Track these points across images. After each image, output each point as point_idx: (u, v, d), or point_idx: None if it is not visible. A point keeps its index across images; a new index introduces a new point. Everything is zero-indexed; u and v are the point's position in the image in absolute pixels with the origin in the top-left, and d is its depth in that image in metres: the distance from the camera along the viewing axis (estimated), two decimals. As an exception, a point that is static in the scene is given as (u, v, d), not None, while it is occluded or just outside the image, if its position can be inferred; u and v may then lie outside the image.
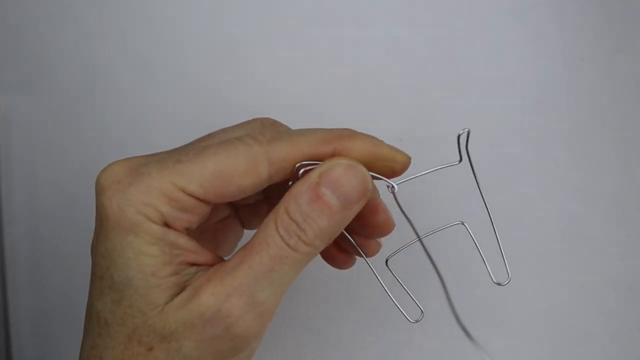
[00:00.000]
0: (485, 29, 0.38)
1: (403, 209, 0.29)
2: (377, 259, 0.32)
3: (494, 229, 0.31)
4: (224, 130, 0.30)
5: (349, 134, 0.28)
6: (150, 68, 0.41)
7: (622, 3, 0.37)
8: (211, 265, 0.28)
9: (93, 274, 0.29)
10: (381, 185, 0.29)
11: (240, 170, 0.27)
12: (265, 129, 0.29)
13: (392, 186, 0.28)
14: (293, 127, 0.31)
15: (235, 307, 0.26)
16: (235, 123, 0.34)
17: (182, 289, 0.27)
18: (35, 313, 0.44)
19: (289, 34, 0.40)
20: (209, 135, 0.30)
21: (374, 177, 0.28)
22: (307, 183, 0.27)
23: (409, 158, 0.29)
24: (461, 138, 0.28)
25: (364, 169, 0.27)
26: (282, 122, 0.32)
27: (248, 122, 0.31)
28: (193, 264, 0.28)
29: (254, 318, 0.26)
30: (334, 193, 0.26)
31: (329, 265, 0.36)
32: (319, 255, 0.33)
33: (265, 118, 0.31)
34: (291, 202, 0.26)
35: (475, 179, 0.31)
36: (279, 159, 0.27)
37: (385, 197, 0.30)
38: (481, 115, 0.38)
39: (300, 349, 0.40)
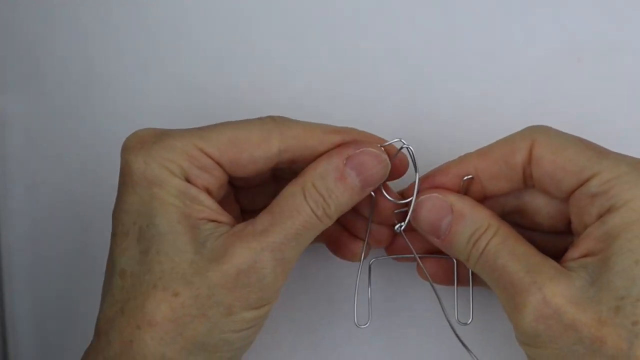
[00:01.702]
0: (484, 28, 0.38)
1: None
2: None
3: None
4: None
5: (357, 130, 0.32)
6: (149, 68, 0.41)
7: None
8: (230, 224, 0.30)
9: (115, 234, 0.30)
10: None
11: (254, 140, 0.30)
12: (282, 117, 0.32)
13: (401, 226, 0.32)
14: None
15: (269, 260, 0.29)
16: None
17: (207, 239, 0.29)
18: (33, 313, 0.44)
19: (289, 33, 0.40)
20: None
21: None
22: (334, 162, 0.30)
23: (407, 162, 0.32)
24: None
25: (386, 157, 0.31)
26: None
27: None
28: (212, 220, 0.30)
29: (281, 271, 0.29)
30: (357, 176, 0.30)
31: (326, 266, 0.36)
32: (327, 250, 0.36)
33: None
34: (317, 178, 0.30)
35: None
36: (290, 136, 0.31)
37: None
38: (478, 115, 0.38)
39: (296, 349, 0.40)
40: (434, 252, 0.34)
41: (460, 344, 0.33)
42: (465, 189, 0.31)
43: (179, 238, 0.29)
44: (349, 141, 0.31)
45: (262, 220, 0.29)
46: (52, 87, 0.42)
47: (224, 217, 0.30)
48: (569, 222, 0.31)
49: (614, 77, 0.38)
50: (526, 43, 0.38)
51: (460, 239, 0.30)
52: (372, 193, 0.32)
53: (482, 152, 0.32)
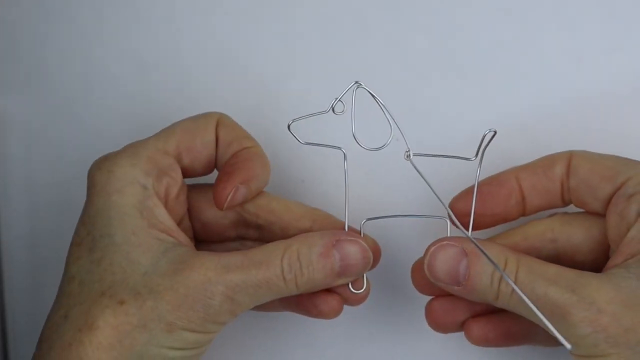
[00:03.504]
0: (482, 28, 0.38)
1: (421, 173, 0.31)
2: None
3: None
4: None
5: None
6: (149, 68, 0.41)
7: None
8: (188, 246, 0.31)
9: (71, 244, 0.31)
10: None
11: (201, 127, 0.33)
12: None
13: (409, 153, 0.31)
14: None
15: (219, 294, 0.29)
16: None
17: (162, 254, 0.30)
18: (33, 313, 0.44)
19: (288, 34, 0.40)
20: None
21: None
22: (325, 238, 0.31)
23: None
24: (486, 138, 0.30)
25: (371, 255, 0.32)
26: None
27: None
28: (171, 237, 0.31)
29: (227, 310, 0.29)
30: (340, 261, 0.31)
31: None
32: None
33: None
34: (304, 246, 0.30)
35: (477, 180, 0.32)
36: (225, 124, 0.34)
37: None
38: (478, 116, 0.38)
39: (294, 346, 0.40)
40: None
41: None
42: (485, 144, 0.31)
43: (133, 249, 0.29)
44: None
45: (230, 257, 0.30)
46: (52, 87, 0.42)
47: (180, 236, 0.31)
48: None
49: (614, 77, 0.38)
50: (527, 43, 0.38)
51: (482, 280, 0.29)
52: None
53: (523, 165, 0.33)
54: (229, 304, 0.29)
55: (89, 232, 0.30)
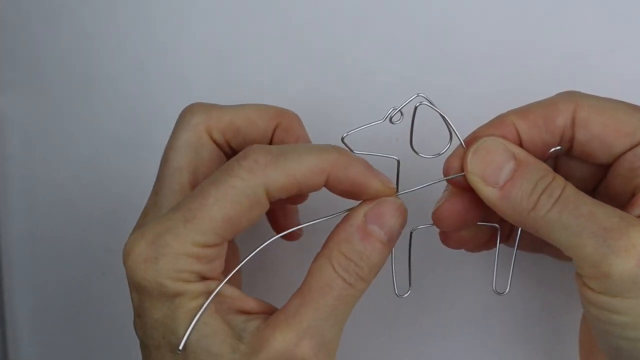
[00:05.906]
0: (483, 28, 0.38)
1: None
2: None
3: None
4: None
5: (344, 163, 0.28)
6: (148, 68, 0.41)
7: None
8: (259, 312, 0.29)
9: (146, 346, 0.29)
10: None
11: (245, 209, 0.28)
12: (258, 154, 0.28)
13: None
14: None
15: (308, 349, 0.27)
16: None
17: (238, 338, 0.28)
18: (33, 314, 0.44)
19: (288, 33, 0.40)
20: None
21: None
22: (354, 224, 0.28)
23: (393, 190, 0.29)
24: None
25: (403, 206, 0.29)
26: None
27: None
28: (241, 312, 0.29)
29: (325, 357, 0.28)
30: (381, 229, 0.28)
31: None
32: None
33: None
34: (343, 244, 0.28)
35: None
36: (276, 189, 0.28)
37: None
38: (479, 116, 0.38)
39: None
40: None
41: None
42: (552, 162, 0.29)
43: (210, 342, 0.28)
44: (335, 181, 0.29)
45: (293, 303, 0.28)
46: (52, 87, 0.42)
47: (248, 303, 0.29)
48: (597, 184, 0.30)
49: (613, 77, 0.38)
50: (528, 42, 0.38)
51: (525, 188, 0.27)
52: None
53: (522, 113, 0.29)
54: (324, 350, 0.27)
55: (163, 335, 0.28)
